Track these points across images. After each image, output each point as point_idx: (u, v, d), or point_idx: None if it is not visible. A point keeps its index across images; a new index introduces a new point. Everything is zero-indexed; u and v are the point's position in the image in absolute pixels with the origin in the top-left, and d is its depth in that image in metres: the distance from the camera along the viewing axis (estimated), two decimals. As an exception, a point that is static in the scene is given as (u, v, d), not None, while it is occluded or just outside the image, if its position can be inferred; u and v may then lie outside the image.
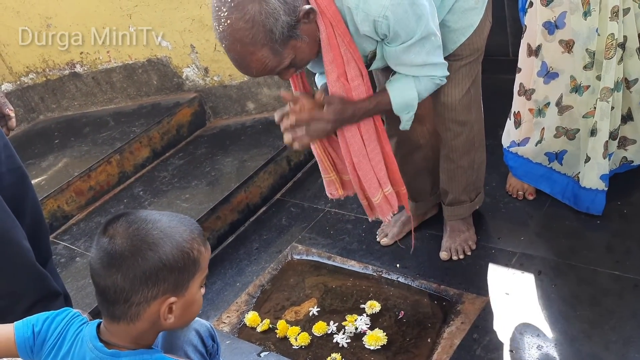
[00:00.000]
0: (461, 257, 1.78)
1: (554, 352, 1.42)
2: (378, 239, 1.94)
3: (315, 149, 1.56)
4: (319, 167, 1.62)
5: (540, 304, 1.56)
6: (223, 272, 1.99)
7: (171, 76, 2.69)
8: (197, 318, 1.13)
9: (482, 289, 1.65)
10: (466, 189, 1.79)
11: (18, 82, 2.88)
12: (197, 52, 2.59)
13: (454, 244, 1.80)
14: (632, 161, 1.82)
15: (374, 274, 1.83)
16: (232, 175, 2.25)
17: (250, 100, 2.66)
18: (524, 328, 1.50)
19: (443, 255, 1.79)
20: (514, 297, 1.60)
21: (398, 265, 1.82)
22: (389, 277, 1.80)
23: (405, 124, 1.49)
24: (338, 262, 1.91)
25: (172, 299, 0.92)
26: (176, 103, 2.64)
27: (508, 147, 1.95)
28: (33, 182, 2.24)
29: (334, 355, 1.58)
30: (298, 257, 1.99)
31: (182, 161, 2.45)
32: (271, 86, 2.58)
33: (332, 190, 1.65)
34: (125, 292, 0.89)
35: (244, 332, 1.75)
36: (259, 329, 1.73)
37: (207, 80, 2.66)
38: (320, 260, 1.94)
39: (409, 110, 1.45)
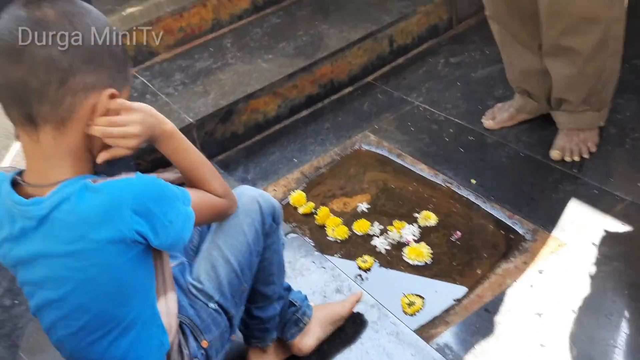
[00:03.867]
0: (576, 158, 1.46)
1: (625, 328, 1.11)
2: (483, 120, 1.69)
3: None
4: None
5: (632, 268, 1.23)
6: (285, 144, 1.85)
7: None
8: (263, 192, 1.01)
9: (563, 231, 1.33)
10: (587, 99, 1.42)
11: None
12: None
13: (570, 143, 1.47)
14: None
15: (443, 184, 1.57)
16: (322, 44, 2.02)
17: (370, -34, 2.32)
18: (600, 289, 1.19)
19: (554, 154, 1.49)
20: (601, 250, 1.27)
21: (474, 181, 1.54)
22: (458, 191, 1.53)
23: None
24: (407, 162, 1.67)
25: (112, 90, 0.75)
26: (289, -45, 2.38)
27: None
28: (129, 10, 2.20)
29: (366, 257, 1.41)
30: (367, 147, 1.77)
31: (279, 20, 2.25)
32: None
33: None
34: (61, 71, 0.70)
35: (285, 210, 1.62)
36: (300, 211, 1.59)
37: None
38: (389, 155, 1.71)
39: None
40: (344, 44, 1.98)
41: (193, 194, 0.83)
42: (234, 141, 1.89)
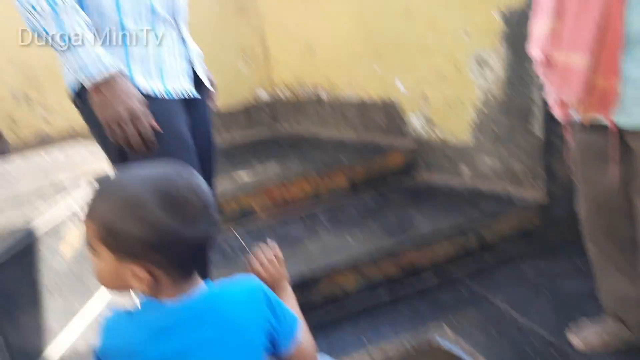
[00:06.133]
0: None
1: None
2: (570, 338, 1.59)
3: None
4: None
5: None
6: (357, 322, 1.83)
7: (397, 120, 2.67)
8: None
9: None
10: None
11: (273, 94, 3.24)
12: (428, 102, 2.51)
13: None
14: None
15: (519, 400, 1.43)
16: (410, 229, 2.07)
17: (466, 165, 2.45)
18: None
19: None
20: None
21: (554, 404, 1.39)
22: (535, 412, 1.39)
23: None
24: (482, 366, 1.56)
25: None
26: (391, 146, 2.59)
27: None
28: (240, 173, 2.46)
29: None
30: (441, 342, 1.70)
31: (372, 201, 2.38)
32: (492, 154, 2.33)
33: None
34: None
35: (345, 392, 1.55)
36: (360, 397, 1.51)
37: (430, 133, 2.55)
38: (462, 355, 1.62)
39: None
40: (431, 232, 2.03)
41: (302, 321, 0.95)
42: (308, 308, 1.90)
